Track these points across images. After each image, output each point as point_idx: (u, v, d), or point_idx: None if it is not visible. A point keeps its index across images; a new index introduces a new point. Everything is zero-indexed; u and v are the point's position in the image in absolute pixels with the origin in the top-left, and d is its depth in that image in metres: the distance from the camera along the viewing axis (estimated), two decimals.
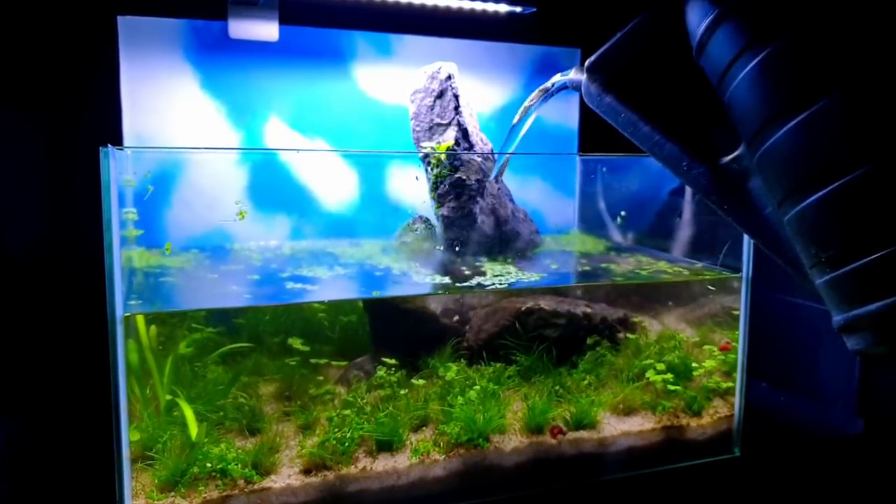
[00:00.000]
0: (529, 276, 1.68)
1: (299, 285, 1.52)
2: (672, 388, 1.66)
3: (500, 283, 1.56)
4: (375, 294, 1.65)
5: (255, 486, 1.31)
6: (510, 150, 1.80)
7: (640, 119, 0.95)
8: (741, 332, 1.64)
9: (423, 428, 1.52)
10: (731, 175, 0.83)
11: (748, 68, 0.66)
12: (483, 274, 1.63)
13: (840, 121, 0.59)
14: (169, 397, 1.44)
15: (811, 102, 0.60)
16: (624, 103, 0.95)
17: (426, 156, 1.82)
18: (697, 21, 0.75)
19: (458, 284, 1.56)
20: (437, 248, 1.83)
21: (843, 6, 0.61)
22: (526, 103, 1.70)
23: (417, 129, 1.86)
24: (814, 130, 0.61)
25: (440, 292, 1.69)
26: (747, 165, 0.79)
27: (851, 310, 0.63)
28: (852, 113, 0.59)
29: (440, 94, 1.82)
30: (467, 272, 1.64)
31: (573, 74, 1.30)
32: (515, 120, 1.74)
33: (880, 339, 0.61)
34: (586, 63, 1.04)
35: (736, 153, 0.81)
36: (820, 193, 0.60)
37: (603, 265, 1.83)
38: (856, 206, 0.59)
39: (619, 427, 1.59)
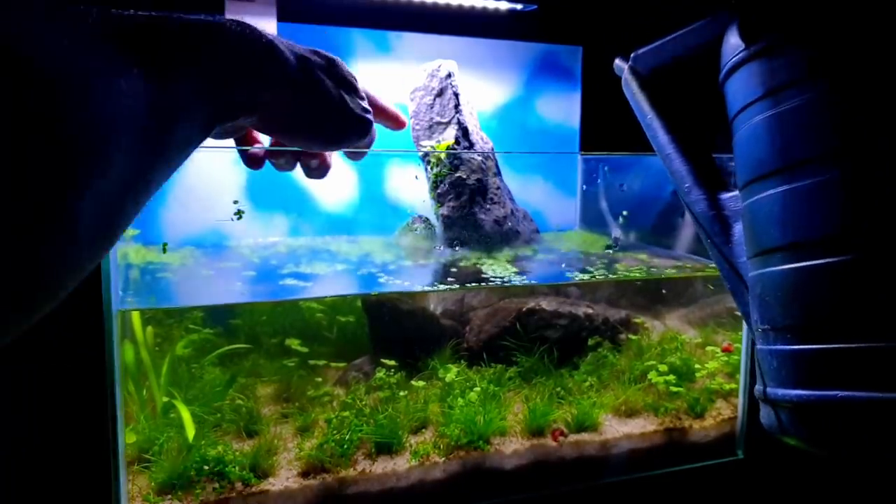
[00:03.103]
0: (525, 269, 1.66)
1: (294, 281, 1.50)
2: (674, 389, 1.65)
3: (499, 282, 1.54)
4: (374, 295, 1.63)
5: (253, 489, 1.29)
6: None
7: (662, 126, 0.92)
8: (744, 333, 1.63)
9: (423, 430, 1.50)
10: (724, 212, 0.81)
11: (757, 119, 0.64)
12: (482, 272, 1.61)
13: (816, 201, 0.58)
14: (166, 399, 1.42)
15: (801, 176, 0.59)
16: (654, 106, 0.93)
17: (426, 155, 1.80)
18: (730, 52, 0.72)
19: (448, 285, 1.54)
20: (437, 247, 1.81)
21: (868, 81, 0.58)
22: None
23: (417, 127, 1.84)
24: (794, 204, 0.59)
25: (441, 289, 1.67)
26: (739, 209, 0.77)
27: (768, 386, 0.62)
28: (831, 196, 0.57)
29: (440, 93, 1.80)
30: (459, 271, 1.62)
31: (618, 61, 1.24)
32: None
33: (789, 428, 0.59)
34: (633, 53, 1.01)
35: (735, 192, 0.79)
36: (778, 268, 0.59)
37: (604, 263, 1.82)
38: (800, 292, 0.57)
39: (621, 429, 1.58)
